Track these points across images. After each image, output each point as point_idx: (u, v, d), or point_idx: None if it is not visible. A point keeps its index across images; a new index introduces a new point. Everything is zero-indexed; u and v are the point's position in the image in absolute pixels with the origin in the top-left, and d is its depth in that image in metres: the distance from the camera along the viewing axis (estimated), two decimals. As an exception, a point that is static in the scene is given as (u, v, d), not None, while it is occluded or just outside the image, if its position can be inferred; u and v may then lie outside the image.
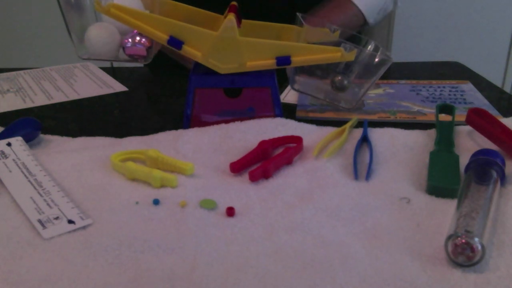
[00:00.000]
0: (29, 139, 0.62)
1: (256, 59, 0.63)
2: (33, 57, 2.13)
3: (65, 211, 0.48)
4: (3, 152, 0.56)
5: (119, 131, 0.68)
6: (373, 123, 0.67)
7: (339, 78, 0.71)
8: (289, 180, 0.54)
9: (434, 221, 0.47)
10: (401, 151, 0.60)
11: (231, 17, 0.61)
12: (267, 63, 0.63)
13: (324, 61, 0.63)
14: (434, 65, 0.99)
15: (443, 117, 0.67)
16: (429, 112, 0.72)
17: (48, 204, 0.49)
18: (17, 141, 0.58)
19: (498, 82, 2.08)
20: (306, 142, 0.61)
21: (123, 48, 0.70)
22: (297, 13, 0.69)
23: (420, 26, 1.95)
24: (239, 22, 0.66)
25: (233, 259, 0.42)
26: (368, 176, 0.54)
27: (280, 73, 0.68)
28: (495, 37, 2.00)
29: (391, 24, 1.94)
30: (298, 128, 0.65)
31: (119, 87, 0.87)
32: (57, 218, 0.47)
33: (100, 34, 0.68)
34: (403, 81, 0.86)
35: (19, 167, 0.55)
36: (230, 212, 0.48)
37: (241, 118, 0.66)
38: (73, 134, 0.66)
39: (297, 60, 0.63)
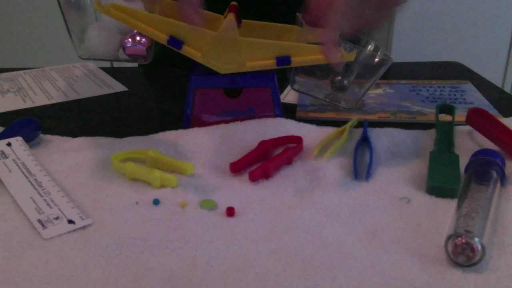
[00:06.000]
0: (29, 139, 0.62)
1: (256, 59, 0.63)
2: (33, 57, 2.13)
3: (65, 211, 0.48)
4: (3, 152, 0.56)
5: (119, 131, 0.68)
6: (373, 123, 0.67)
7: (339, 78, 0.71)
8: (289, 180, 0.54)
9: (434, 221, 0.47)
10: (401, 151, 0.60)
11: (231, 17, 0.61)
12: (267, 63, 0.63)
13: (324, 61, 0.63)
14: (434, 65, 0.99)
15: (443, 117, 0.67)
16: (429, 112, 0.72)
17: (48, 204, 0.49)
18: (17, 141, 0.58)
19: (498, 82, 2.08)
20: (306, 142, 0.61)
21: (123, 48, 0.70)
22: (297, 13, 0.69)
23: (420, 26, 1.96)
24: (239, 22, 0.66)
25: (233, 259, 0.42)
26: (368, 176, 0.54)
27: (280, 73, 0.68)
28: (495, 37, 2.00)
29: (391, 24, 1.94)
30: (298, 128, 0.65)
31: (119, 87, 0.87)
32: (57, 218, 0.47)
33: (100, 34, 0.68)
34: (403, 81, 0.86)
35: (19, 167, 0.55)
36: (230, 212, 0.48)
37: (241, 118, 0.66)
38: (73, 134, 0.66)
39: (297, 60, 0.63)
